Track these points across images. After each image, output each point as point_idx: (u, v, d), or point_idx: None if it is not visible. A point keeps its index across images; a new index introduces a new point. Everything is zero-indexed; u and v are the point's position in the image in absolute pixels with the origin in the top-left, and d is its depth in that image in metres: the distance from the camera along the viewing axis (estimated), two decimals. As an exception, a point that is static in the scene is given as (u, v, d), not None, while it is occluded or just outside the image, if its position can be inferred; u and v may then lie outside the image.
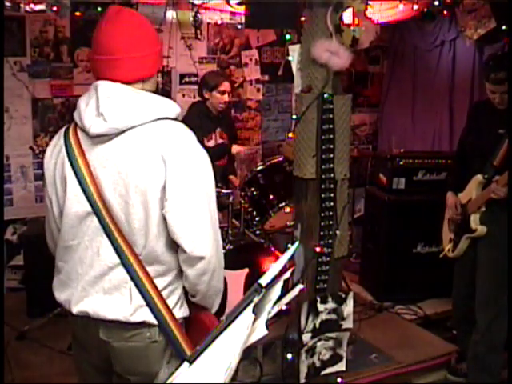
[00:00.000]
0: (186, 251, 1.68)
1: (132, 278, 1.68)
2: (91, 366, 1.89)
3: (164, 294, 1.73)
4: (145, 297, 1.69)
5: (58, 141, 1.81)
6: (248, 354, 3.16)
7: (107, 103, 1.67)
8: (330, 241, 2.92)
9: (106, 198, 1.68)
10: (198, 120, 4.16)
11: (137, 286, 1.69)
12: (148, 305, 1.69)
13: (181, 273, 1.77)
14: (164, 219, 1.68)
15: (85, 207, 1.70)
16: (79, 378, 1.97)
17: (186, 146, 1.71)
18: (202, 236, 1.69)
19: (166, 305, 1.71)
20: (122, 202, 1.67)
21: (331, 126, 2.85)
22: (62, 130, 1.83)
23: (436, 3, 4.37)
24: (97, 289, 1.72)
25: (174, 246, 1.72)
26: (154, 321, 1.70)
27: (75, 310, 1.75)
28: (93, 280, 1.72)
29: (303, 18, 2.88)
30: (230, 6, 4.38)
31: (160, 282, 1.72)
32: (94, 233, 1.71)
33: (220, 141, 4.27)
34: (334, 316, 2.97)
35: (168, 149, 1.66)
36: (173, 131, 1.71)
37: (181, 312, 1.79)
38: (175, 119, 1.77)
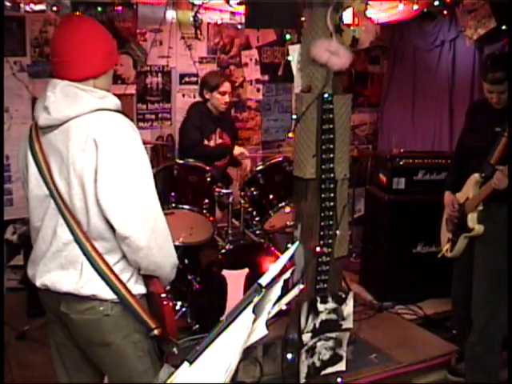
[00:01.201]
0: (115, 228, 1.83)
1: (84, 254, 1.86)
2: (60, 338, 2.07)
3: (116, 269, 1.89)
4: (97, 271, 1.86)
5: (26, 135, 2.02)
6: (248, 354, 3.16)
7: (51, 98, 1.89)
8: (330, 241, 2.92)
9: (56, 181, 1.89)
10: (198, 120, 4.17)
11: (89, 261, 1.86)
12: (102, 278, 1.86)
13: None
14: None
15: (43, 190, 1.91)
16: (53, 353, 2.13)
17: (117, 131, 1.86)
18: (129, 215, 1.82)
19: (119, 278, 1.88)
20: (65, 184, 1.87)
21: (331, 126, 2.85)
22: (30, 126, 2.04)
23: (436, 3, 4.37)
24: (56, 264, 1.91)
25: None
26: (105, 295, 1.87)
27: (38, 283, 1.95)
28: (52, 256, 1.91)
29: (303, 18, 2.88)
30: (230, 5, 4.38)
31: (110, 259, 1.89)
32: (51, 213, 1.91)
33: (220, 141, 4.27)
34: (333, 316, 2.97)
35: (99, 133, 1.83)
36: (106, 119, 1.87)
37: (136, 288, 1.93)
38: (117, 112, 1.93)
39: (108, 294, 1.88)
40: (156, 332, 1.91)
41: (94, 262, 1.86)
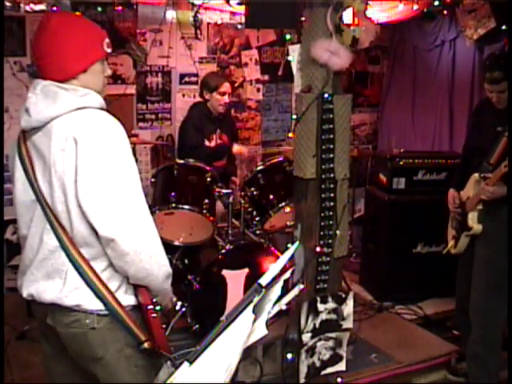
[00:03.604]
0: (98, 231, 1.73)
1: (70, 261, 1.76)
2: (54, 351, 1.97)
3: (103, 277, 1.78)
4: (84, 278, 1.76)
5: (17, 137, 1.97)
6: (248, 354, 3.16)
7: (32, 99, 1.81)
8: (330, 241, 2.92)
9: (40, 185, 1.81)
10: (198, 121, 4.17)
11: (75, 268, 1.76)
12: (89, 287, 1.75)
13: None
14: None
15: (30, 196, 1.83)
16: (45, 367, 2.07)
17: (97, 128, 1.76)
18: (111, 217, 1.72)
19: (106, 286, 1.77)
20: (48, 187, 1.79)
21: (331, 126, 2.85)
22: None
23: (436, 3, 4.37)
24: (42, 273, 1.82)
25: None
26: (90, 305, 1.77)
27: (24, 293, 1.88)
28: (38, 264, 1.83)
29: (303, 18, 2.88)
30: (230, 5, 4.39)
31: (96, 266, 1.78)
32: (38, 219, 1.83)
33: (220, 142, 4.28)
34: (334, 316, 2.97)
35: (79, 131, 1.74)
36: (87, 116, 1.78)
37: (125, 298, 1.82)
38: (99, 109, 1.83)
39: (94, 305, 1.77)
40: (146, 345, 1.79)
41: (80, 269, 1.75)
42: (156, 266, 1.80)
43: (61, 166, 1.74)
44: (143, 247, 1.75)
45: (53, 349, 1.95)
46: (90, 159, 1.72)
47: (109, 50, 1.91)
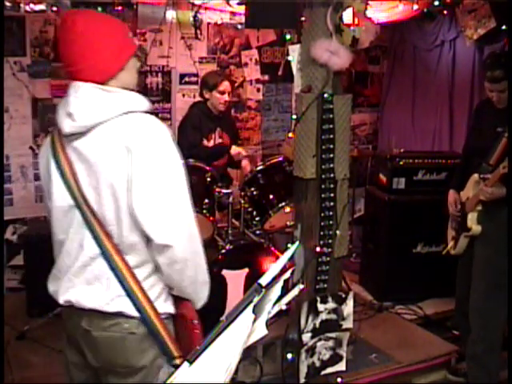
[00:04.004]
0: (152, 239, 1.71)
1: (111, 268, 1.74)
2: (77, 365, 1.91)
3: (145, 285, 1.76)
4: (124, 286, 1.73)
5: (47, 140, 1.89)
6: (248, 354, 3.16)
7: (75, 103, 1.74)
8: (330, 241, 2.93)
9: (83, 192, 1.76)
10: (198, 120, 4.16)
11: (116, 275, 1.73)
12: (127, 295, 1.73)
13: None
14: None
15: (68, 201, 1.78)
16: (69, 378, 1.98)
17: (152, 136, 1.74)
18: (166, 224, 1.71)
19: (147, 296, 1.74)
20: (95, 194, 1.74)
21: (331, 126, 2.85)
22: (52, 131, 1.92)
23: (436, 3, 4.36)
24: (81, 279, 1.78)
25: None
26: (131, 312, 1.74)
27: (61, 299, 1.82)
28: (77, 271, 1.79)
29: (303, 18, 2.88)
30: (230, 6, 4.38)
31: (140, 273, 1.76)
32: (77, 225, 1.78)
33: (219, 141, 4.27)
34: (334, 316, 2.97)
35: (132, 139, 1.70)
36: (138, 122, 1.75)
37: (164, 306, 1.81)
38: (148, 113, 1.80)
39: (135, 311, 1.74)
40: (178, 361, 1.71)
41: (121, 276, 1.73)
42: (201, 276, 1.84)
43: (112, 173, 1.70)
44: (193, 255, 1.78)
45: (79, 357, 1.89)
46: (145, 169, 1.69)
47: (137, 43, 1.87)
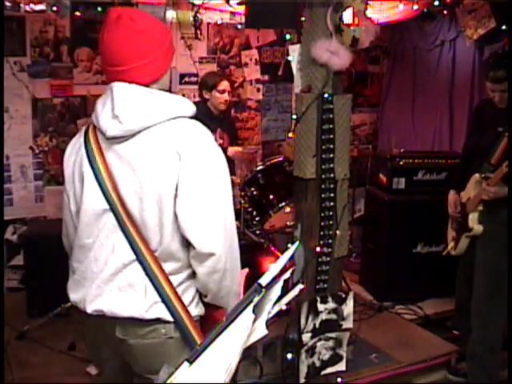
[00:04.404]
0: (195, 247, 1.68)
1: (147, 275, 1.68)
2: (111, 368, 1.88)
3: (179, 290, 1.73)
4: (160, 293, 1.69)
5: (78, 139, 1.83)
6: (248, 354, 3.16)
7: (122, 105, 1.68)
8: (330, 241, 2.93)
9: (122, 196, 1.70)
10: (197, 120, 4.16)
11: (152, 282, 1.69)
12: (163, 301, 1.69)
13: (195, 271, 1.78)
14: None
15: (102, 204, 1.71)
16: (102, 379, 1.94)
17: (201, 143, 1.72)
18: (212, 233, 1.69)
19: (182, 302, 1.71)
20: (136, 199, 1.69)
21: (331, 126, 2.85)
22: (83, 129, 1.84)
23: (436, 3, 4.36)
24: (111, 286, 1.72)
25: (188, 244, 1.73)
26: (168, 317, 1.70)
27: (90, 309, 1.74)
28: (108, 278, 1.72)
29: (303, 18, 2.88)
30: (230, 5, 4.38)
31: (175, 279, 1.72)
32: (109, 230, 1.72)
33: (219, 141, 4.27)
34: (334, 316, 2.97)
35: (182, 145, 1.67)
36: (188, 128, 1.72)
37: (196, 310, 1.79)
38: (192, 118, 1.77)
39: (171, 316, 1.71)
40: None
41: (158, 283, 1.68)
42: (236, 287, 1.82)
43: (159, 179, 1.66)
44: (232, 265, 1.77)
45: (112, 366, 1.86)
46: (194, 176, 1.67)
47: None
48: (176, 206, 1.67)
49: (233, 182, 4.29)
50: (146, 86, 1.73)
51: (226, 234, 1.72)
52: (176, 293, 1.71)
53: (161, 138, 1.68)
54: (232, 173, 4.46)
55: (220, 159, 1.75)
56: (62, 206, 1.88)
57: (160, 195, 1.66)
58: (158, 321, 1.71)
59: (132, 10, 1.82)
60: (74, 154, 1.81)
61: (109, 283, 1.72)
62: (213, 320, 1.82)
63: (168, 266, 1.71)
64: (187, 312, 1.72)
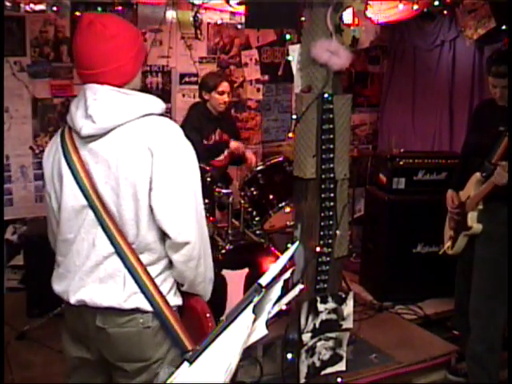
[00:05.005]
0: (171, 237, 1.77)
1: (126, 266, 1.77)
2: (86, 362, 1.93)
3: (157, 281, 1.81)
4: (139, 284, 1.77)
5: (55, 141, 1.91)
6: (248, 354, 3.16)
7: (94, 105, 1.76)
8: (330, 241, 2.92)
9: (99, 192, 1.78)
10: (197, 121, 4.16)
11: (131, 273, 1.77)
12: (142, 291, 1.77)
13: (171, 262, 1.85)
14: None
15: (80, 201, 1.80)
16: (73, 376, 1.98)
17: (172, 138, 1.80)
18: (186, 222, 1.77)
19: (160, 292, 1.79)
20: (113, 194, 1.77)
21: (331, 126, 2.85)
22: (59, 131, 1.93)
23: (436, 3, 4.36)
24: (93, 278, 1.80)
25: (163, 235, 1.81)
26: (147, 307, 1.79)
27: (73, 299, 1.82)
28: (89, 270, 1.81)
29: (303, 18, 2.88)
30: (230, 5, 4.38)
31: (152, 270, 1.80)
32: (89, 225, 1.80)
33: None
34: (334, 316, 2.97)
35: (154, 141, 1.75)
36: (158, 125, 1.80)
37: (174, 299, 1.86)
38: (161, 114, 1.85)
39: (150, 306, 1.79)
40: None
41: (136, 274, 1.77)
42: (209, 272, 1.92)
43: (133, 174, 1.73)
44: (203, 251, 1.85)
45: (86, 353, 1.90)
46: (166, 170, 1.75)
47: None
48: (151, 200, 1.75)
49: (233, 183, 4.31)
50: (119, 86, 1.80)
51: (197, 222, 1.81)
52: (154, 283, 1.79)
53: (133, 134, 1.76)
54: (243, 162, 4.43)
55: (189, 152, 1.83)
56: (45, 205, 1.97)
57: (136, 189, 1.74)
58: (137, 310, 1.79)
59: (105, 16, 1.91)
60: (52, 155, 1.89)
61: (90, 275, 1.81)
62: (190, 308, 1.91)
63: (145, 258, 1.79)
64: (166, 302, 1.80)
